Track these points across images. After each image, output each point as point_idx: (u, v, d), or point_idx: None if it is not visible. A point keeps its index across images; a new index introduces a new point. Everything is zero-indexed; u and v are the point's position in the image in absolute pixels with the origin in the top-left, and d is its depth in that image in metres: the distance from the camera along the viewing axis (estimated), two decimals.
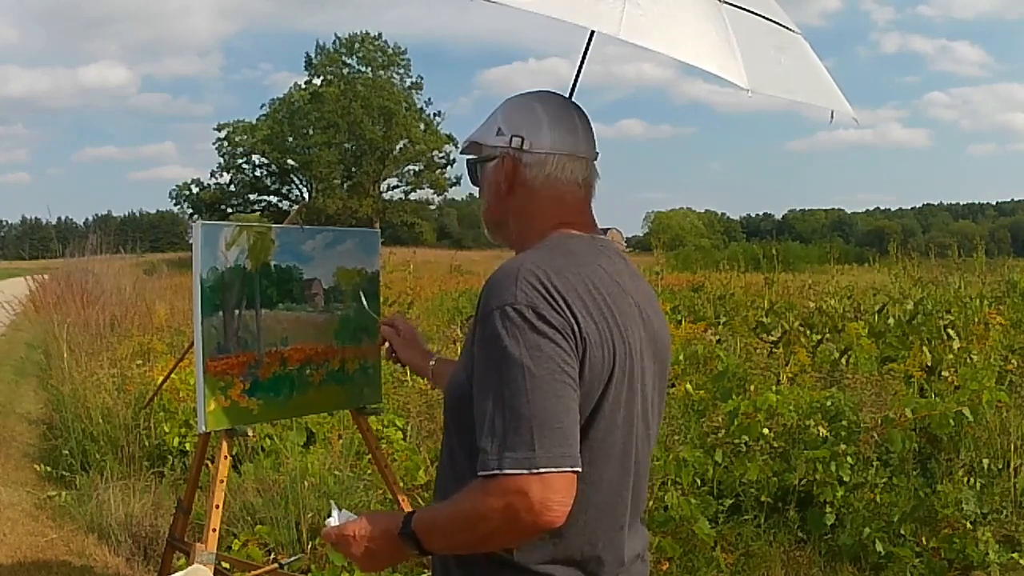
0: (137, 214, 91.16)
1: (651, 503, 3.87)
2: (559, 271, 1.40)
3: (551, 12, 1.51)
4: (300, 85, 53.90)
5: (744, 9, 1.73)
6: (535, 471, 1.27)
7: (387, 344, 2.34)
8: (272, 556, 3.91)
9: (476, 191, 1.68)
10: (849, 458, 4.10)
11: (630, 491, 1.48)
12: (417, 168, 55.02)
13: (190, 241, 2.90)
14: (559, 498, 1.29)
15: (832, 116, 1.87)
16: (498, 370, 1.32)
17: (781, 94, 1.73)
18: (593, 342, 1.37)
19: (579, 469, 1.31)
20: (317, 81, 53.31)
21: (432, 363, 2.21)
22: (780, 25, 1.86)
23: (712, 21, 1.62)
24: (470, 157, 1.65)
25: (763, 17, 1.79)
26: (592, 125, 1.63)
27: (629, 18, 1.48)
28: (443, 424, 1.57)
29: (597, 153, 1.60)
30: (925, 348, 6.02)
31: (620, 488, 1.46)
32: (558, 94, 1.62)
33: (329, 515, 1.55)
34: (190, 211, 55.70)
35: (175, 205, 57.94)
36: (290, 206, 56.87)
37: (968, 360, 5.63)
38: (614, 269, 1.51)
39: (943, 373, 5.52)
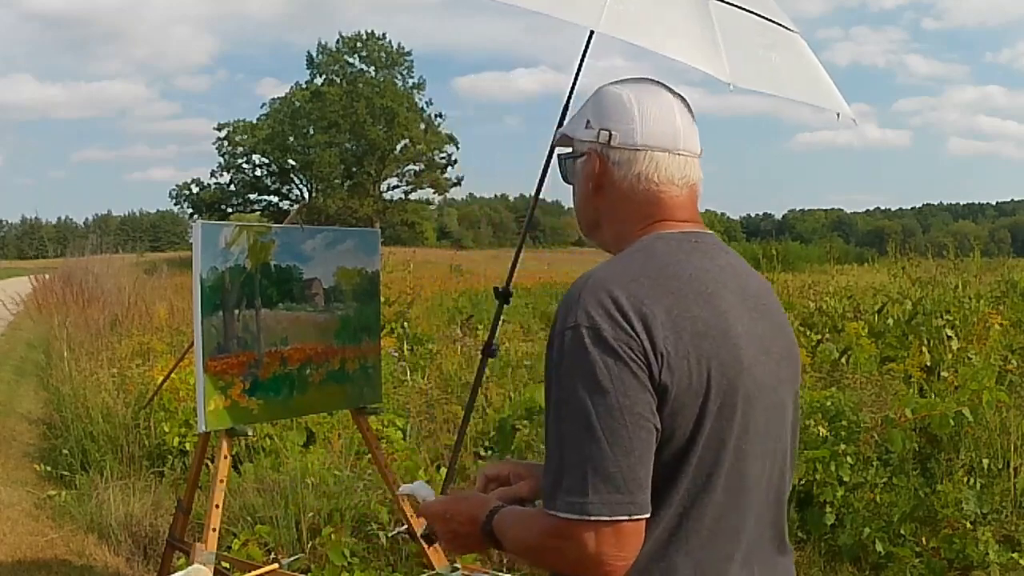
0: (137, 214, 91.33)
1: None
2: (635, 278, 1.25)
3: (531, 6, 1.51)
4: (301, 84, 53.97)
5: (735, 6, 1.74)
6: (587, 518, 1.16)
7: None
8: (272, 556, 3.91)
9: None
10: (849, 458, 4.10)
11: (745, 518, 1.30)
12: (418, 168, 55.05)
13: (190, 241, 2.90)
14: (615, 552, 1.17)
15: (839, 116, 1.87)
16: (555, 403, 1.22)
17: (769, 90, 1.72)
18: (677, 356, 1.21)
19: (642, 516, 1.18)
20: (319, 80, 53.34)
21: None
22: (776, 24, 1.86)
23: (697, 16, 1.62)
24: (561, 151, 1.49)
25: (756, 15, 1.79)
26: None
27: (610, 12, 1.47)
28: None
29: (701, 150, 1.41)
30: (925, 348, 6.01)
31: (727, 516, 1.28)
32: (658, 82, 1.43)
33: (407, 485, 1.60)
34: (190, 211, 55.74)
35: (175, 205, 58.04)
36: (290, 206, 56.90)
37: (968, 360, 5.63)
38: (715, 267, 1.34)
39: (943, 373, 5.52)
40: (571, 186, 1.48)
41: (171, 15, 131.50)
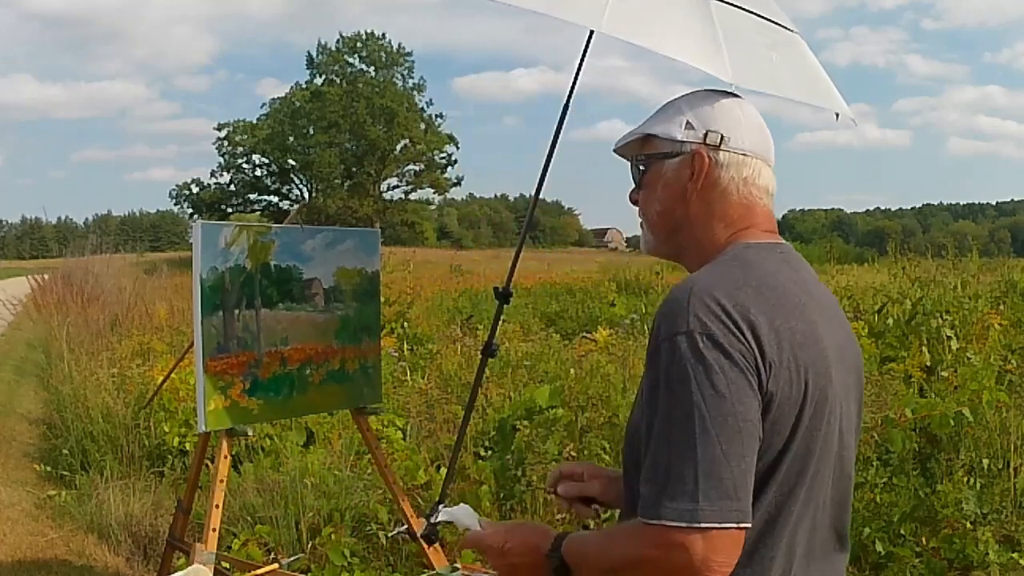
0: (137, 214, 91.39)
1: None
2: (739, 287, 1.25)
3: (532, 6, 1.51)
4: (301, 84, 53.98)
5: (735, 6, 1.74)
6: (697, 525, 1.14)
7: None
8: (272, 556, 3.91)
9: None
10: None
11: (817, 520, 1.33)
12: (418, 168, 55.07)
13: (190, 241, 2.90)
14: (722, 559, 1.15)
15: (837, 117, 1.87)
16: (667, 408, 1.19)
17: (770, 91, 1.72)
18: (780, 364, 1.22)
19: (748, 524, 1.17)
20: (318, 80, 53.35)
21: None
22: (777, 24, 1.86)
23: (698, 16, 1.62)
24: (644, 152, 1.45)
25: (757, 15, 1.79)
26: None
27: (612, 12, 1.47)
28: (622, 461, 1.42)
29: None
30: (924, 348, 6.01)
31: (804, 521, 1.30)
32: (741, 96, 1.46)
33: (436, 510, 1.45)
34: (190, 211, 55.79)
35: (175, 205, 58.11)
36: (290, 206, 56.93)
37: (968, 360, 5.63)
38: (799, 278, 1.36)
39: (943, 373, 5.51)
40: (640, 189, 1.46)
41: (171, 15, 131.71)
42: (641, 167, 1.45)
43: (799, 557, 1.30)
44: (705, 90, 1.45)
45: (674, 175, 1.40)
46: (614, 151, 1.50)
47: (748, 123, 1.40)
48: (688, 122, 1.40)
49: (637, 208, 1.49)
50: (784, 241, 1.42)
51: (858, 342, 1.49)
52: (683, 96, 1.45)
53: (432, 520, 1.46)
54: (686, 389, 1.18)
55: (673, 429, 1.18)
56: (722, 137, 1.38)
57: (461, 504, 1.47)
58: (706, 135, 1.38)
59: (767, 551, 1.26)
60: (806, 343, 1.26)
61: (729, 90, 1.46)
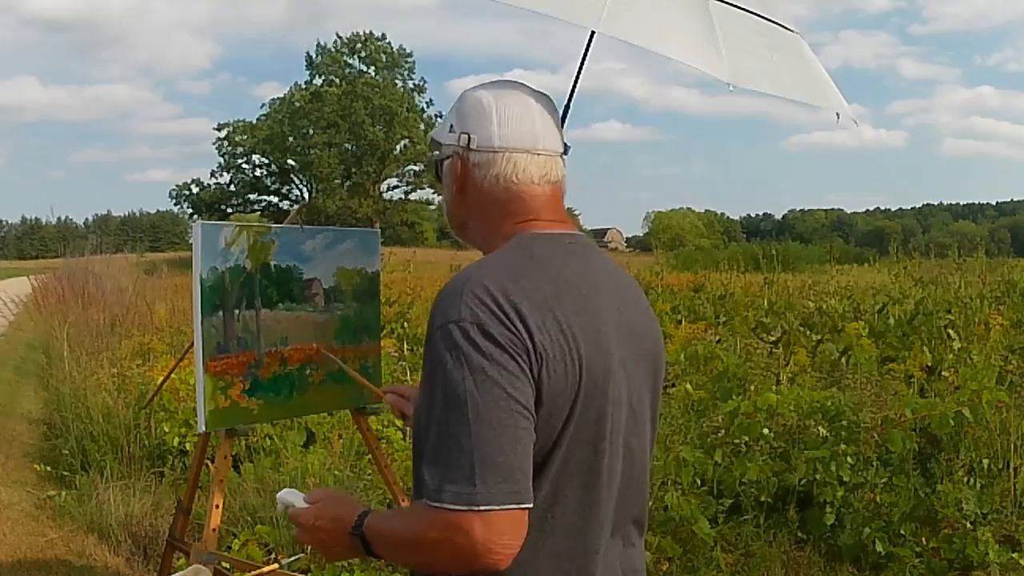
0: (137, 214, 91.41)
1: (651, 503, 3.87)
2: (515, 278, 1.28)
3: (531, 6, 1.51)
4: (300, 85, 53.94)
5: (735, 6, 1.73)
6: (476, 508, 1.17)
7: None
8: (272, 556, 3.91)
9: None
10: (849, 458, 4.10)
11: (604, 511, 1.35)
12: (418, 168, 55.01)
13: (190, 241, 2.90)
14: (504, 540, 1.19)
15: (838, 117, 1.87)
16: (442, 395, 1.22)
17: (769, 90, 1.72)
18: (553, 356, 1.25)
19: (528, 505, 1.21)
20: (318, 81, 53.32)
21: None
22: (777, 24, 1.86)
23: (697, 17, 1.62)
24: (433, 155, 1.53)
25: (757, 15, 1.79)
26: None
27: (611, 12, 1.47)
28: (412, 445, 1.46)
29: (567, 146, 1.46)
30: (925, 348, 6.01)
31: (591, 509, 1.33)
32: (519, 83, 1.47)
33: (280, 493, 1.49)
34: (190, 211, 55.76)
35: (175, 205, 58.04)
36: (290, 206, 56.91)
37: (968, 360, 5.63)
38: (587, 269, 1.38)
39: (943, 373, 5.51)
40: (442, 188, 1.52)
41: (173, 19, 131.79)
42: (434, 170, 1.53)
43: (598, 550, 1.34)
44: (478, 87, 1.47)
45: (449, 176, 1.47)
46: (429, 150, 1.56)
47: (503, 118, 1.41)
48: (452, 125, 1.45)
49: None
50: (576, 231, 1.44)
51: (659, 327, 1.52)
52: (459, 97, 1.48)
53: (280, 506, 1.50)
54: (458, 376, 1.21)
55: (449, 415, 1.21)
56: (470, 138, 1.41)
57: (287, 488, 1.51)
58: (459, 137, 1.42)
59: (547, 537, 1.29)
60: (584, 337, 1.29)
61: (518, 81, 1.47)
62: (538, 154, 1.42)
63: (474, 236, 1.49)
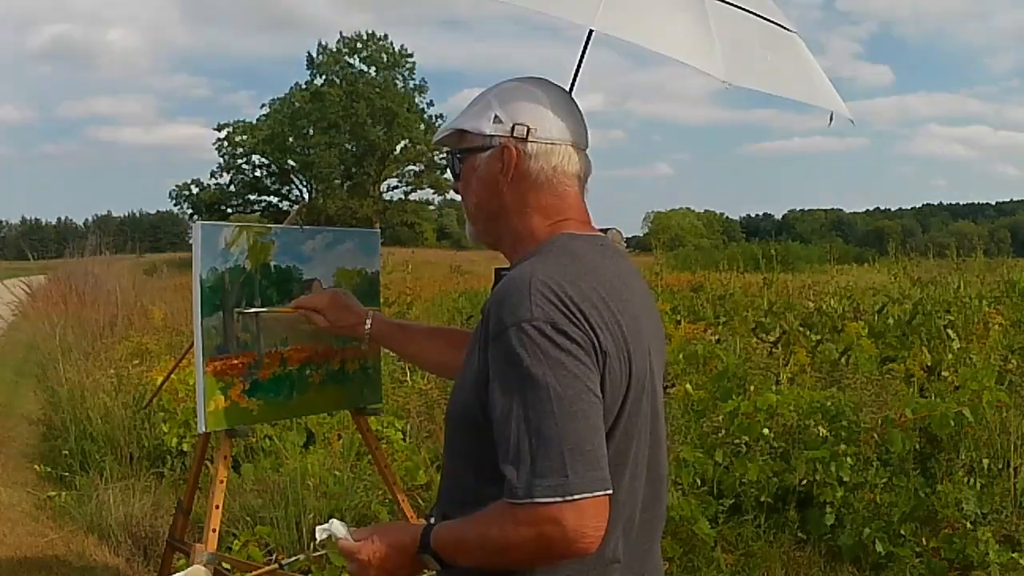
0: (137, 214, 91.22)
1: None
2: (572, 280, 1.31)
3: (528, 4, 1.51)
4: (301, 85, 53.94)
5: (732, 5, 1.74)
6: (569, 498, 1.20)
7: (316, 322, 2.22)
8: (272, 556, 3.91)
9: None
10: (849, 458, 4.10)
11: (639, 497, 1.41)
12: (417, 169, 55.05)
13: (190, 241, 2.90)
14: (594, 523, 1.23)
15: (831, 117, 1.87)
16: (520, 391, 1.23)
17: (765, 89, 1.73)
18: (611, 354, 1.30)
19: (611, 491, 1.25)
20: (318, 81, 53.31)
21: (368, 325, 2.15)
22: (774, 23, 1.86)
23: (691, 14, 1.62)
24: (461, 147, 1.51)
25: (753, 14, 1.79)
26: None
27: (606, 9, 1.48)
28: (444, 445, 1.47)
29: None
30: (925, 348, 6.01)
31: (630, 498, 1.38)
32: (552, 81, 1.50)
33: (321, 526, 1.47)
34: (190, 211, 55.74)
35: (175, 205, 57.98)
36: (290, 206, 56.88)
37: (968, 360, 5.63)
38: (619, 270, 1.43)
39: (943, 373, 5.52)
40: (459, 181, 1.52)
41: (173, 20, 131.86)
42: (458, 161, 1.51)
43: (628, 533, 1.39)
44: (514, 80, 1.49)
45: (486, 168, 1.46)
46: (433, 144, 1.57)
47: (556, 110, 1.44)
48: (496, 116, 1.44)
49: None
50: (601, 233, 1.48)
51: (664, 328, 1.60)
52: (493, 88, 1.50)
53: (318, 541, 1.47)
54: (539, 371, 1.23)
55: (530, 412, 1.23)
56: (528, 129, 1.42)
57: (331, 519, 1.49)
58: (513, 128, 1.42)
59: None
60: (630, 336, 1.34)
61: (541, 78, 1.49)
62: (581, 149, 1.47)
63: (501, 231, 1.49)
